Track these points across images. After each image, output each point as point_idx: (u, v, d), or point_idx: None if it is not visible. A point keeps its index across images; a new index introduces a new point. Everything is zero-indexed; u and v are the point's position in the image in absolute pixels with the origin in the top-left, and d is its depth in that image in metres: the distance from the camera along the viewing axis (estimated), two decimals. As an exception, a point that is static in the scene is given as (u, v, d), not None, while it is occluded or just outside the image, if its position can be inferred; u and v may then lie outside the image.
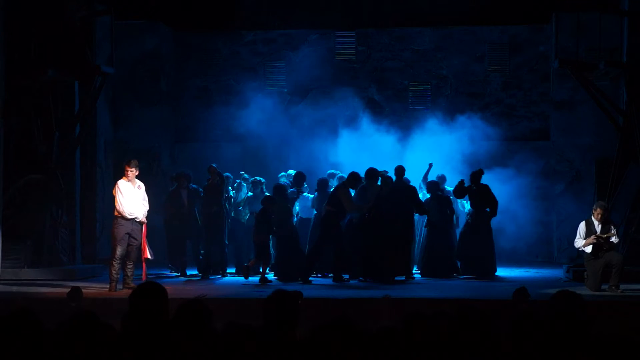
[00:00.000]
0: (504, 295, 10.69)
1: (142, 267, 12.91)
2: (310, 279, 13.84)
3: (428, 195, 15.04)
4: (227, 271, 15.02)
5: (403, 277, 14.16)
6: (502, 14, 19.23)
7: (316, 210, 14.77)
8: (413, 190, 14.52)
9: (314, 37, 19.89)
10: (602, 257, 12.31)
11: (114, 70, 15.59)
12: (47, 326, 4.50)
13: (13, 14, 14.37)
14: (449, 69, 19.68)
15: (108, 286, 12.40)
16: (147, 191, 12.93)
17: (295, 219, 15.07)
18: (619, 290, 12.09)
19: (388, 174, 14.40)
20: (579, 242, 12.55)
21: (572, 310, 4.82)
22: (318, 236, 14.04)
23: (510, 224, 17.54)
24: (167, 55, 19.78)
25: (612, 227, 12.47)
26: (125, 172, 12.62)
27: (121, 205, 12.45)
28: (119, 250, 12.40)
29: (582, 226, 12.59)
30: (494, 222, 15.15)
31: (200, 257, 15.13)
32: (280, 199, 14.07)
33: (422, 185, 15.34)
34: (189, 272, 15.33)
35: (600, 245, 12.32)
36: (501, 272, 15.12)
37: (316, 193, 14.89)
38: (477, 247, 14.61)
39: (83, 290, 9.98)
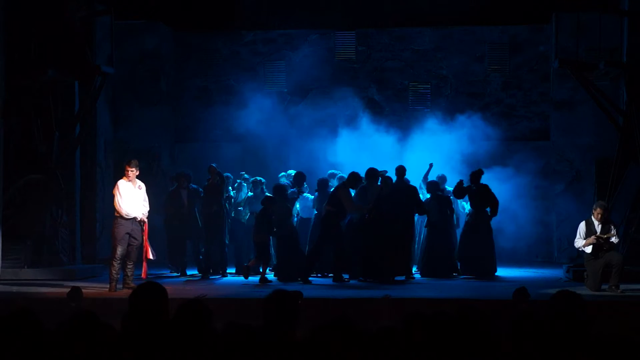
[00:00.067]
0: (504, 295, 10.69)
1: (142, 266, 12.90)
2: (310, 279, 13.84)
3: (428, 195, 15.05)
4: (227, 271, 15.02)
5: (403, 277, 14.17)
6: (502, 14, 19.23)
7: (316, 210, 14.77)
8: (414, 190, 14.52)
9: (314, 37, 19.89)
10: (602, 257, 12.31)
11: (114, 70, 15.59)
12: (47, 326, 4.51)
13: (13, 14, 14.37)
14: (449, 69, 19.68)
15: (108, 286, 12.40)
16: (147, 191, 12.93)
17: (296, 219, 15.08)
18: (619, 290, 12.09)
19: (387, 174, 14.40)
20: (579, 242, 12.55)
21: (572, 310, 4.82)
22: (318, 236, 14.05)
23: (510, 224, 17.54)
24: (167, 55, 19.78)
25: (612, 227, 12.47)
26: (126, 172, 12.62)
27: (120, 205, 12.45)
28: (119, 250, 12.39)
29: (582, 226, 12.59)
30: (494, 222, 15.16)
31: (201, 257, 15.13)
32: (280, 199, 14.07)
33: (422, 185, 15.34)
34: (189, 272, 15.33)
35: (600, 245, 12.32)
36: (501, 272, 15.12)
37: (316, 193, 14.89)
38: (477, 247, 14.62)
39: (83, 290, 9.97)
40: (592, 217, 12.53)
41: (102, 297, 11.62)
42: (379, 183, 14.20)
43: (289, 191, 14.63)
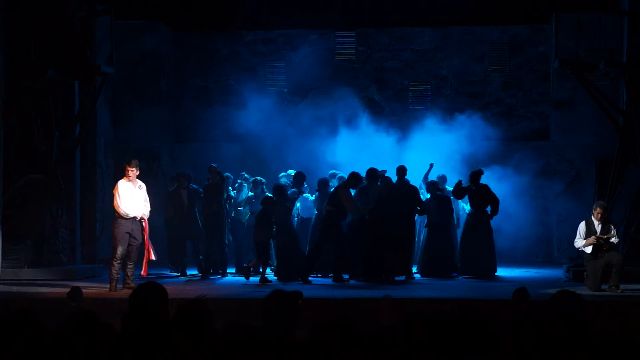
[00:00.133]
0: (504, 295, 10.68)
1: (142, 266, 12.88)
2: (310, 279, 13.84)
3: (428, 195, 15.05)
4: (227, 271, 15.02)
5: (403, 277, 14.17)
6: (502, 14, 19.23)
7: (317, 211, 14.77)
8: (414, 190, 14.52)
9: (314, 37, 19.89)
10: (602, 257, 12.30)
11: (114, 70, 15.59)
12: (47, 326, 4.51)
13: (13, 14, 14.37)
14: (449, 69, 19.68)
15: (108, 286, 12.39)
16: (147, 191, 12.93)
17: (296, 219, 15.08)
18: (619, 290, 12.09)
19: (386, 174, 14.40)
20: (579, 242, 12.55)
21: (572, 310, 4.82)
22: (318, 236, 14.05)
23: (510, 224, 17.53)
24: (167, 55, 19.78)
25: (612, 227, 12.46)
26: (126, 172, 12.61)
27: (119, 204, 12.44)
28: (119, 250, 12.39)
29: (582, 226, 12.59)
30: (494, 222, 15.15)
31: (201, 257, 15.13)
32: (280, 199, 14.07)
33: (423, 185, 15.34)
34: (189, 272, 15.34)
35: (600, 245, 12.32)
36: (501, 272, 15.12)
37: (317, 193, 14.89)
38: (477, 247, 14.62)
39: (83, 290, 9.97)
40: (592, 217, 12.53)
41: (102, 297, 11.62)
42: (379, 183, 14.20)
43: (289, 191, 14.63)
